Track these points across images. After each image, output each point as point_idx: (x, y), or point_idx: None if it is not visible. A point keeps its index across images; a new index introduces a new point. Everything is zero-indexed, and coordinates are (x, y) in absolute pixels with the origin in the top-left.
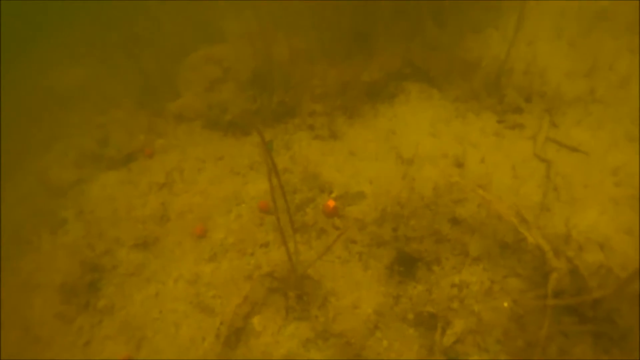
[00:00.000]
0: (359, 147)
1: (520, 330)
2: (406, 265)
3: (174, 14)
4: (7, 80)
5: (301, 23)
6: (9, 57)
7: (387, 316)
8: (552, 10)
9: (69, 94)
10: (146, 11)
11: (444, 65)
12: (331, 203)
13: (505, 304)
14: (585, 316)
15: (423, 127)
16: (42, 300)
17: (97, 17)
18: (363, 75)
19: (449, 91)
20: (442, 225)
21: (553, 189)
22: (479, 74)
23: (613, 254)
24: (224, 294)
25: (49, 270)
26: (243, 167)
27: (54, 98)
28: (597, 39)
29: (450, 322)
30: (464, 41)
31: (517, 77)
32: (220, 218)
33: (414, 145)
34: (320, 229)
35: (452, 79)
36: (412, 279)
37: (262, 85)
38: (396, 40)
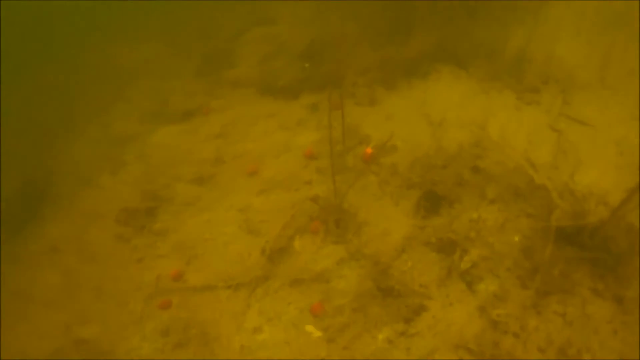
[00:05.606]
0: (394, 112)
1: (527, 259)
2: (431, 202)
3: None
4: (81, 51)
5: (346, 13)
6: (83, 32)
7: (413, 241)
8: (573, 11)
9: (135, 65)
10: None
11: (472, 50)
12: (369, 150)
13: (516, 239)
14: (585, 245)
15: (452, 100)
16: (100, 226)
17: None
18: (400, 53)
19: (475, 72)
20: (464, 172)
21: (562, 152)
22: (503, 59)
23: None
24: (271, 219)
25: (108, 202)
26: (292, 123)
27: (121, 69)
28: (612, 37)
29: (467, 250)
30: (491, 32)
31: (536, 65)
32: (270, 161)
33: (442, 112)
34: (359, 171)
35: (479, 62)
36: (435, 213)
37: (312, 58)
38: (431, 29)
